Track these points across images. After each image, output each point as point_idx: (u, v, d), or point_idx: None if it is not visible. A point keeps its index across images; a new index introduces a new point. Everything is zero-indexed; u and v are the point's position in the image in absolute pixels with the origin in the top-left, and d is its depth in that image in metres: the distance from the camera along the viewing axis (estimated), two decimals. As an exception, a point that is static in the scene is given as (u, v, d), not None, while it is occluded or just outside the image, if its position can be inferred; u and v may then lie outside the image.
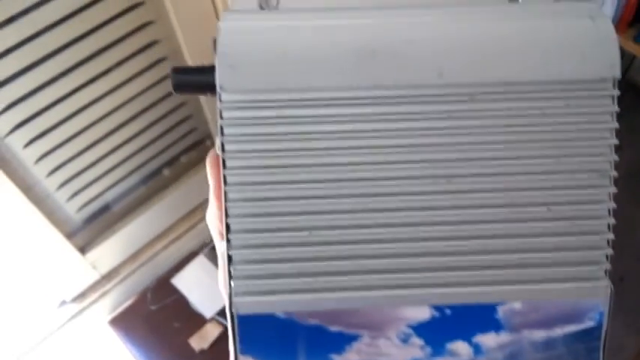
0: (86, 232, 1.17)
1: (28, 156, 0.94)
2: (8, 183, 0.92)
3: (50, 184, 1.01)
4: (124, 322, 1.29)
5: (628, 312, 1.60)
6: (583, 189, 0.28)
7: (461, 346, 0.29)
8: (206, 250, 1.37)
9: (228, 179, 0.28)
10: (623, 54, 1.75)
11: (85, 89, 0.94)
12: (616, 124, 0.28)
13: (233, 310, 0.28)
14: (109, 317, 1.29)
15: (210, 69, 0.28)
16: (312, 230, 0.28)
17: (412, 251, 0.28)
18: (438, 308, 0.29)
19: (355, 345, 0.29)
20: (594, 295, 0.29)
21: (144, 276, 1.31)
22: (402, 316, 0.29)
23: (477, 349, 0.29)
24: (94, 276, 1.23)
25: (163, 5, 0.96)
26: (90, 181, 1.08)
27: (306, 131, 0.27)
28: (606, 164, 0.29)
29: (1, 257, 1.03)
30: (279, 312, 0.28)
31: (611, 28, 0.28)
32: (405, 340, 0.29)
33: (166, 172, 1.23)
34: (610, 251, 0.29)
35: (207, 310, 1.27)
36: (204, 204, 1.34)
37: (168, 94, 1.08)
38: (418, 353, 0.29)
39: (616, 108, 0.28)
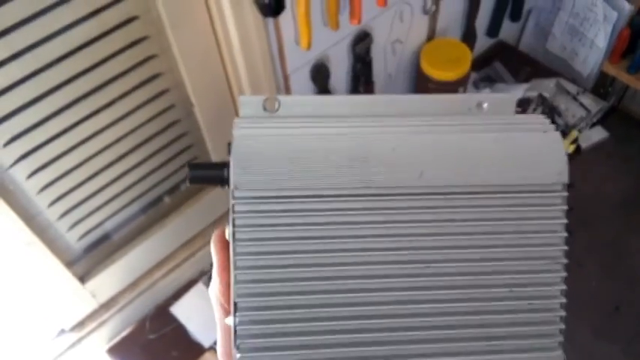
0: (86, 261, 1.17)
1: (31, 187, 0.95)
2: (11, 213, 0.93)
3: (52, 213, 1.02)
4: (122, 351, 1.28)
5: (626, 340, 1.60)
6: (539, 273, 0.34)
7: None
8: (205, 278, 1.37)
9: (238, 264, 0.32)
10: (616, 84, 1.78)
11: (89, 121, 0.96)
12: (566, 220, 0.34)
13: None
14: (107, 346, 1.29)
15: (222, 165, 0.33)
16: (312, 308, 0.32)
17: (392, 326, 0.33)
18: None
19: None
20: None
21: (142, 305, 1.31)
22: None
23: None
24: (93, 305, 1.23)
25: (167, 39, 0.98)
26: (91, 211, 1.09)
27: (306, 222, 0.32)
28: (559, 252, 0.34)
29: (0, 286, 1.03)
30: None
31: (559, 140, 0.34)
32: None
33: (167, 199, 1.24)
34: (562, 326, 0.34)
35: (206, 340, 1.27)
36: (203, 232, 1.35)
37: (170, 125, 1.10)
38: None
39: (565, 206, 0.34)
